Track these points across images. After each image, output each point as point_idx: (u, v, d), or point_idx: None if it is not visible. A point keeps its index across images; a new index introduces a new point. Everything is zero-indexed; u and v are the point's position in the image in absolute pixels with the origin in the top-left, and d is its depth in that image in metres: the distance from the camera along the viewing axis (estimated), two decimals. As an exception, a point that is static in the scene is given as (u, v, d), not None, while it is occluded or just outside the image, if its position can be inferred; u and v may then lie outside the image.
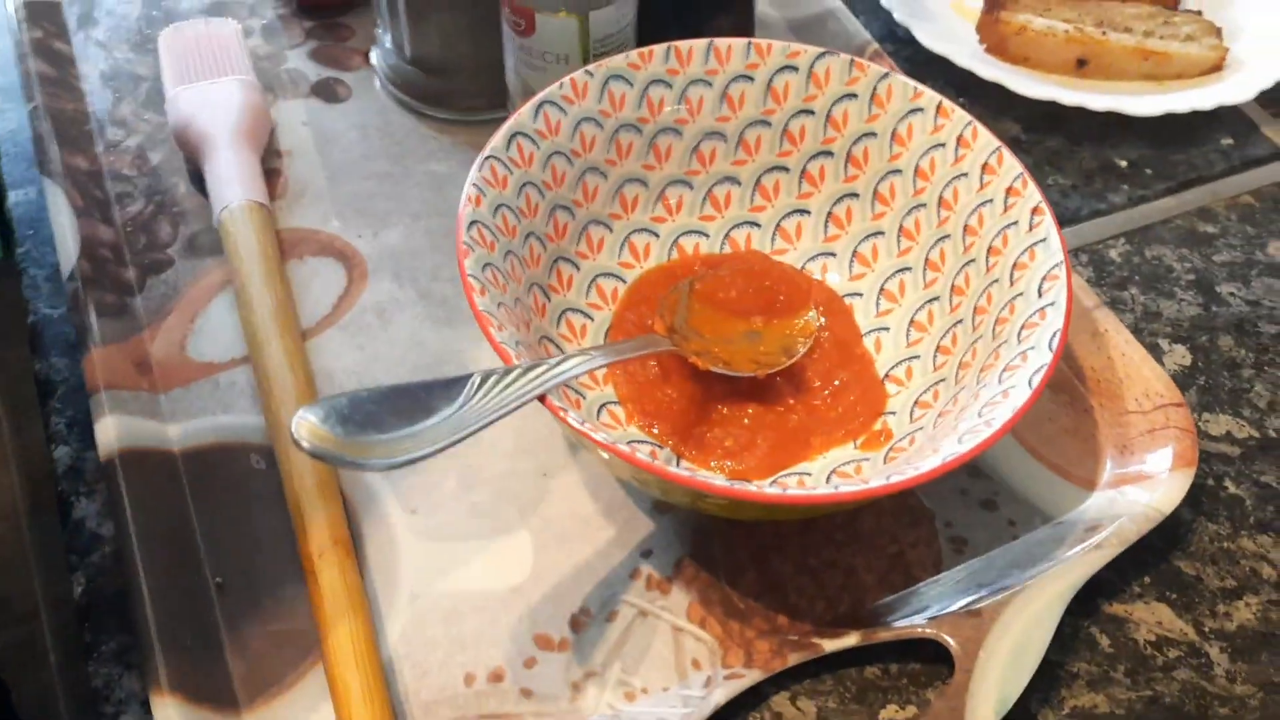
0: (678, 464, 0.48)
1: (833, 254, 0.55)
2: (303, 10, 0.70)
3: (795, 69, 0.53)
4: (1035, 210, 0.47)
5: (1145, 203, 0.63)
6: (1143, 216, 0.62)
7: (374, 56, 0.67)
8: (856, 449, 0.49)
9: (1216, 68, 0.67)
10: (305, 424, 0.36)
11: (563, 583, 0.47)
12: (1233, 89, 0.65)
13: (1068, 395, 0.53)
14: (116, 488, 0.47)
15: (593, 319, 0.52)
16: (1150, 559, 0.48)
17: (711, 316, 0.51)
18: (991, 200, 0.49)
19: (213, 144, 0.58)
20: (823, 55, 0.53)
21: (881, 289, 0.53)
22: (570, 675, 0.44)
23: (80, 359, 0.52)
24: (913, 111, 0.52)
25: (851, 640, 0.45)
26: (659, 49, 0.53)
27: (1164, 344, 0.56)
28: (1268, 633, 0.47)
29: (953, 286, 0.50)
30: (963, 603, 0.45)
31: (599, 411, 0.49)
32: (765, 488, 0.47)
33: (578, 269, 0.53)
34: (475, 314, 0.43)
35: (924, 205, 0.52)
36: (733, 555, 0.48)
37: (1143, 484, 0.49)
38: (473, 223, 0.46)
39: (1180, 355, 0.56)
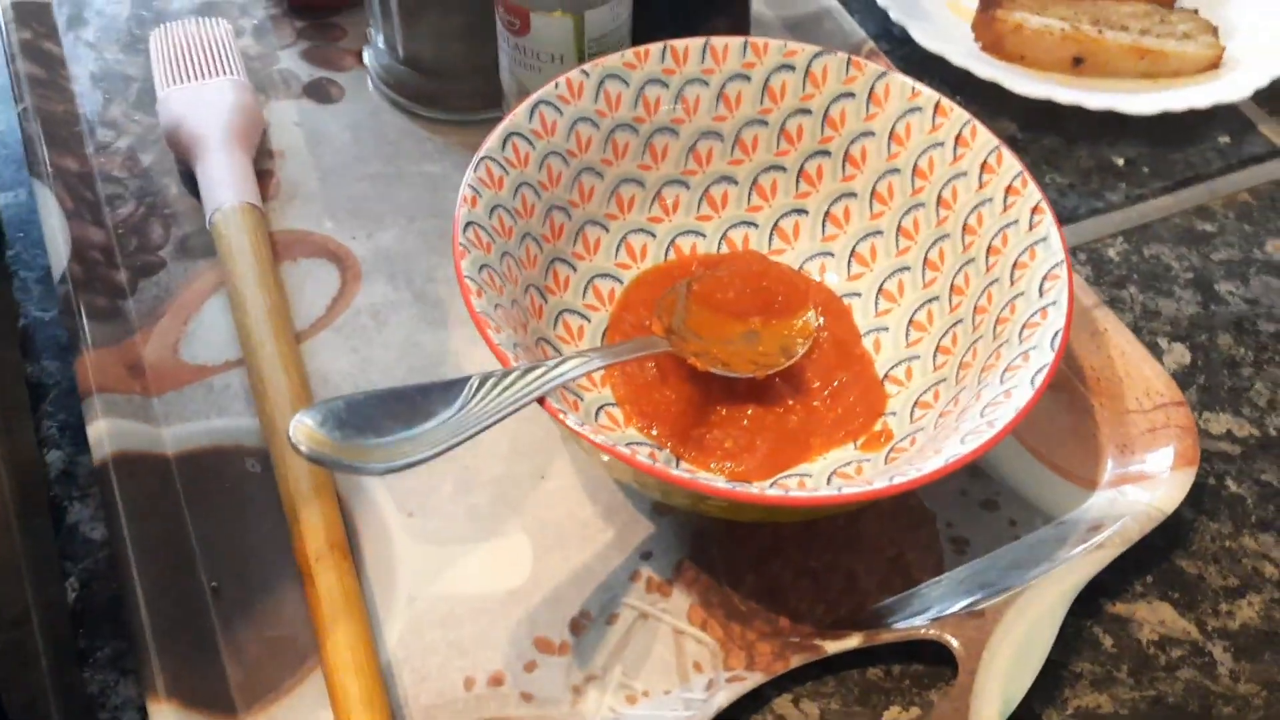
0: (677, 466, 0.48)
1: (831, 254, 0.55)
2: (294, 10, 0.70)
3: (792, 68, 0.53)
4: (1035, 209, 0.47)
5: (1143, 201, 0.63)
6: (1140, 215, 0.62)
7: (366, 57, 0.66)
8: (857, 450, 0.49)
9: (1213, 66, 0.67)
10: (303, 428, 0.36)
11: (562, 585, 0.47)
12: (1229, 87, 0.65)
13: (1068, 395, 0.53)
14: (110, 492, 0.46)
15: (590, 320, 0.52)
16: (1152, 558, 0.48)
17: (709, 317, 0.51)
18: (991, 199, 0.49)
19: (204, 145, 0.58)
20: (820, 54, 0.53)
21: (880, 289, 0.53)
22: (571, 679, 0.44)
23: (72, 362, 0.51)
24: (911, 110, 0.52)
25: (854, 642, 0.44)
26: (655, 48, 0.52)
27: (1163, 343, 0.56)
28: (1270, 631, 0.47)
29: (952, 286, 0.50)
30: (965, 603, 0.45)
31: (597, 413, 0.49)
32: (768, 489, 0.47)
33: (574, 270, 0.52)
34: (472, 316, 0.42)
35: (923, 205, 0.52)
36: (733, 557, 0.47)
37: (1144, 483, 0.49)
38: (469, 224, 0.46)
39: (1179, 354, 0.56)
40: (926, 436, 0.46)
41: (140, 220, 0.58)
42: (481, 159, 0.48)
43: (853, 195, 0.54)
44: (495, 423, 0.39)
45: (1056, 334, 0.43)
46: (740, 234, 0.55)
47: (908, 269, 0.52)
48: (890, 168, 0.53)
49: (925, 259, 0.52)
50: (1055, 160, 0.65)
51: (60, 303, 0.53)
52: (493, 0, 0.55)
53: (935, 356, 0.50)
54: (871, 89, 0.52)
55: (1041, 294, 0.45)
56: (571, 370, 0.42)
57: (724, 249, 0.55)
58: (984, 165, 0.49)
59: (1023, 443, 0.51)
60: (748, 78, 0.53)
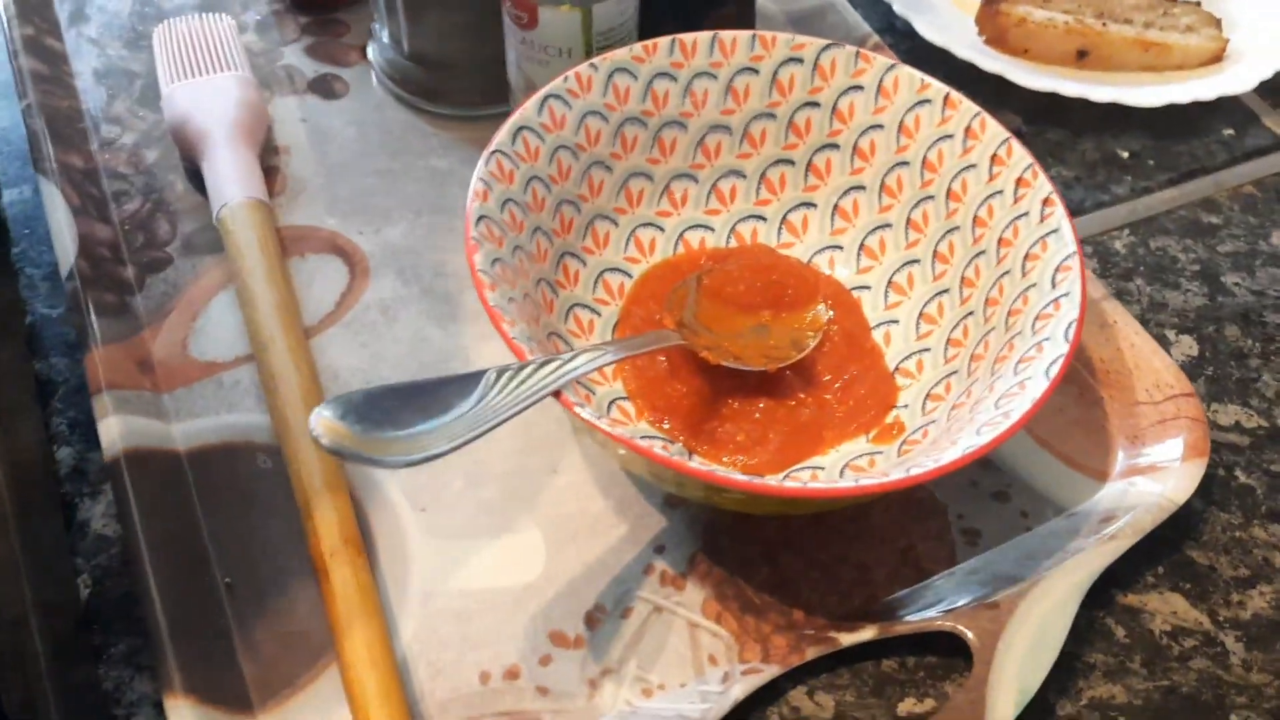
0: (691, 459, 0.48)
1: (840, 247, 0.55)
2: (297, 6, 0.69)
3: (800, 61, 0.53)
4: (1046, 201, 0.47)
5: (1148, 194, 0.63)
6: (1146, 208, 0.62)
7: (371, 52, 0.66)
8: (869, 442, 0.49)
9: (1216, 58, 0.67)
10: (323, 420, 0.35)
11: (576, 579, 0.46)
12: (1233, 79, 0.65)
13: (1078, 387, 0.53)
14: (123, 488, 0.46)
15: (600, 314, 0.52)
16: (1163, 549, 0.48)
17: (720, 311, 0.51)
18: (1001, 191, 0.49)
19: (210, 141, 0.58)
20: (828, 47, 0.53)
21: (890, 282, 0.53)
22: (586, 672, 0.44)
23: (80, 359, 0.51)
24: (920, 103, 0.52)
25: (868, 634, 0.44)
26: (664, 41, 0.52)
27: (1171, 335, 0.56)
28: (1282, 622, 0.47)
29: (963, 278, 0.50)
30: (978, 595, 0.45)
31: (609, 407, 0.49)
32: (785, 482, 0.47)
33: (584, 264, 0.52)
34: (487, 310, 0.42)
35: (932, 197, 0.52)
36: (745, 550, 0.47)
37: (1155, 475, 0.49)
38: (480, 218, 0.45)
39: (1187, 345, 0.56)
40: (939, 429, 0.46)
41: (147, 216, 0.58)
42: (492, 153, 0.48)
43: (862, 188, 0.54)
44: (512, 416, 0.38)
45: (1070, 325, 0.43)
46: (749, 227, 0.55)
47: (917, 262, 0.52)
48: (899, 160, 0.53)
49: (935, 252, 0.52)
50: (1060, 153, 0.65)
51: (68, 299, 0.53)
52: (499, -6, 0.55)
53: (946, 349, 0.50)
54: (880, 82, 0.52)
55: (1054, 285, 0.45)
56: (586, 363, 0.42)
57: (733, 242, 0.55)
58: (994, 157, 0.49)
59: (1033, 434, 0.51)
60: (756, 71, 0.53)
